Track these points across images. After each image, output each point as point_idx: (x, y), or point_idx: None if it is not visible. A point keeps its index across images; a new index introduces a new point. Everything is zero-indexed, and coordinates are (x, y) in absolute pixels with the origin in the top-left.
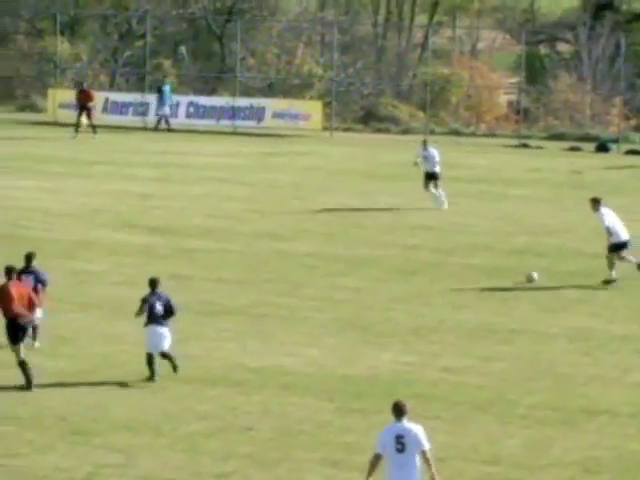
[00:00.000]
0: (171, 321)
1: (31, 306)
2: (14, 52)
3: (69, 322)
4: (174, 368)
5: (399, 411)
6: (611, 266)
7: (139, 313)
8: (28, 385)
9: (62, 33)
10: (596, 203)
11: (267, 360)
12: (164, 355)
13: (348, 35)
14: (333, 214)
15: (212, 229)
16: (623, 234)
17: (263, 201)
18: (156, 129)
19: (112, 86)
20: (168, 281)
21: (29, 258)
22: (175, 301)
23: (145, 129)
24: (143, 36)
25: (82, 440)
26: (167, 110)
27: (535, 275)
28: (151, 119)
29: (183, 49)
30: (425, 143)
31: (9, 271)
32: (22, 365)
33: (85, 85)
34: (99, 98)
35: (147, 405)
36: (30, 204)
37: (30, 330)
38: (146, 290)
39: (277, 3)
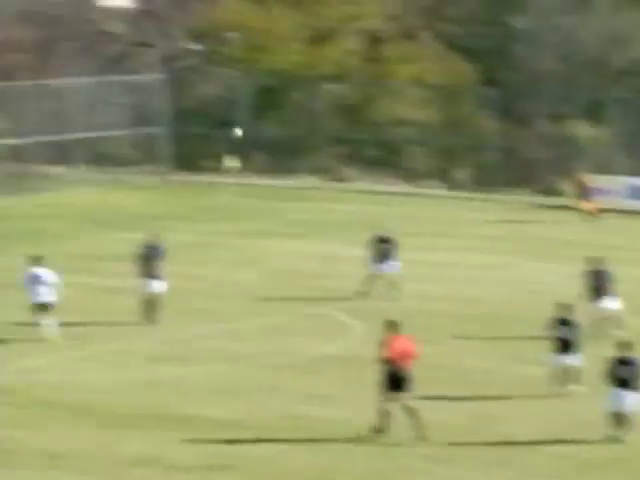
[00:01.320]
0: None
1: (408, 357)
2: (533, 135)
3: None
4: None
5: None
6: None
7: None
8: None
9: (584, 117)
10: None
11: None
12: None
13: None
14: None
15: None
16: None
17: None
18: None
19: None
20: None
21: None
22: None
23: None
24: None
25: None
26: None
27: None
28: None
29: None
30: None
31: (393, 325)
32: (410, 412)
33: (579, 173)
34: (620, 183)
35: None
36: (558, 289)
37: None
38: None
39: None
